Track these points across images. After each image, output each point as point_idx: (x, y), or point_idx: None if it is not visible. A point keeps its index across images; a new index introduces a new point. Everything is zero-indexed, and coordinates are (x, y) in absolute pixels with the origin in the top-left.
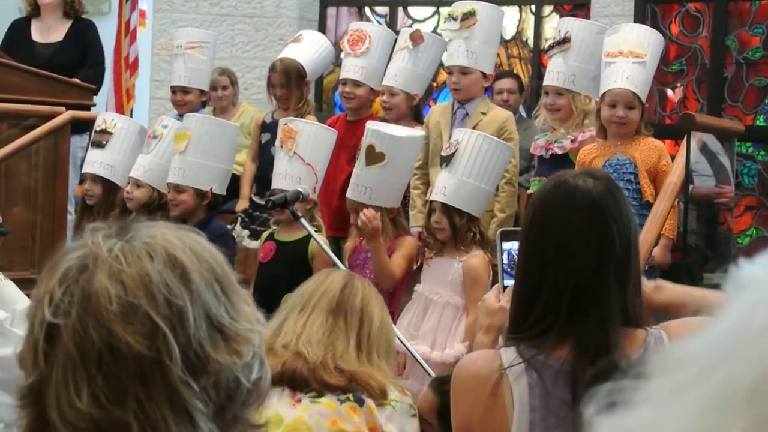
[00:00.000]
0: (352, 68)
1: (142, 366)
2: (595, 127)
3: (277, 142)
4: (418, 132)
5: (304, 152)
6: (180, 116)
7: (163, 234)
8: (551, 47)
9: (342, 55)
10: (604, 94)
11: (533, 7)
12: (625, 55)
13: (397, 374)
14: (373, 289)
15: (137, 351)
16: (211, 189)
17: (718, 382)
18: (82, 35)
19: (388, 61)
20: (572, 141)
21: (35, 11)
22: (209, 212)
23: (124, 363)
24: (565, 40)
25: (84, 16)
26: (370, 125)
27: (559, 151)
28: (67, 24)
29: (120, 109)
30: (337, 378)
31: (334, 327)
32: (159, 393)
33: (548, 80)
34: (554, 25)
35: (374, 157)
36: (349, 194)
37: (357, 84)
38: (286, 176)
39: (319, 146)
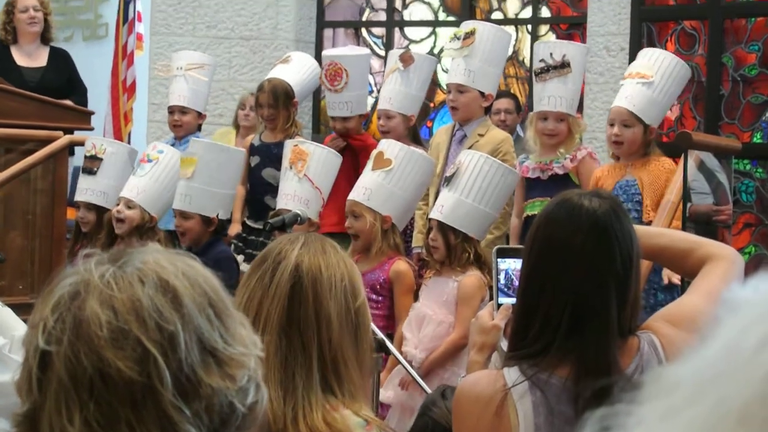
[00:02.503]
0: (337, 106)
1: (133, 391)
2: (608, 148)
3: (285, 163)
4: (430, 157)
5: (314, 176)
6: (176, 139)
7: (155, 259)
8: (545, 70)
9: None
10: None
11: (529, 27)
12: (632, 76)
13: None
14: (323, 265)
15: (128, 376)
16: (217, 215)
17: (709, 404)
18: (65, 62)
19: (381, 85)
20: (571, 160)
21: (13, 38)
22: (213, 236)
23: (115, 388)
24: (565, 65)
25: (83, 41)
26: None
27: (560, 172)
28: (46, 50)
29: (118, 133)
30: None
31: (289, 350)
32: (150, 418)
33: (549, 105)
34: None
35: (381, 162)
36: (349, 196)
37: (345, 118)
38: (294, 197)
39: (327, 171)
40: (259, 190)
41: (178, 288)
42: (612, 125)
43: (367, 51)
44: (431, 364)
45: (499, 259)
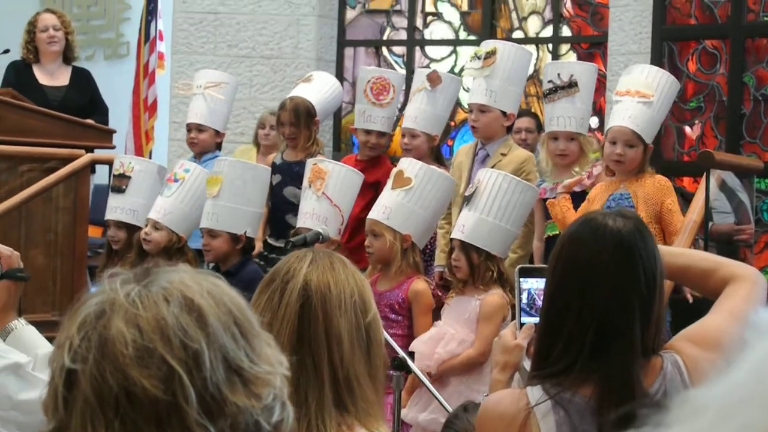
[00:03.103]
0: (379, 120)
1: (158, 409)
2: (602, 164)
3: (305, 182)
4: (450, 176)
5: (332, 194)
6: (195, 157)
7: (180, 278)
8: (554, 91)
9: (362, 101)
10: (607, 131)
11: (550, 46)
12: (631, 94)
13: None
14: (332, 282)
15: (153, 395)
16: (245, 233)
17: (736, 427)
18: (87, 82)
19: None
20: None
21: (35, 57)
22: (243, 256)
23: (140, 407)
24: (572, 85)
25: (105, 59)
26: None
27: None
28: (68, 69)
29: (139, 151)
30: None
31: (301, 370)
32: None
33: (559, 126)
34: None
35: (401, 180)
36: (369, 215)
37: (382, 134)
38: (313, 216)
39: (347, 189)
40: (280, 209)
41: (203, 307)
42: (614, 143)
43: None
44: (447, 370)
45: (521, 279)
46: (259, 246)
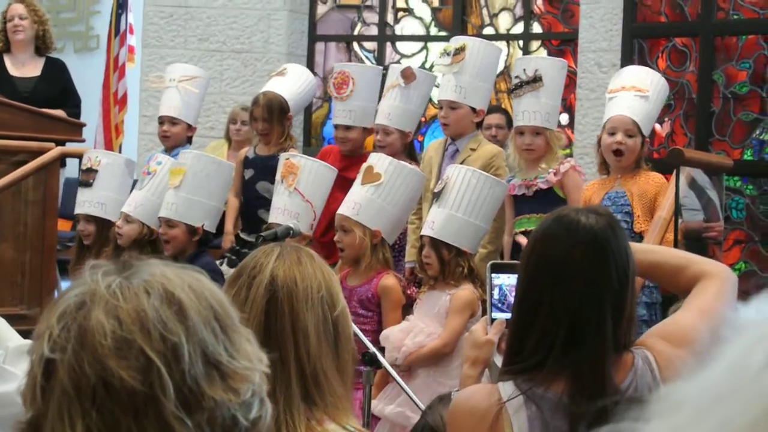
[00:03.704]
0: (340, 113)
1: (135, 401)
2: (597, 161)
3: (278, 177)
4: (420, 171)
5: (304, 189)
6: (166, 150)
7: (162, 271)
8: (519, 86)
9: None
10: (605, 123)
11: (521, 43)
12: (627, 89)
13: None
14: (298, 276)
15: (130, 386)
16: (202, 226)
17: (716, 423)
18: (60, 73)
19: (379, 98)
20: (555, 174)
21: (5, 47)
22: (199, 248)
23: (117, 398)
24: (536, 79)
25: (75, 52)
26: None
27: (544, 186)
28: (41, 60)
29: (109, 145)
30: None
31: (269, 365)
32: (152, 428)
33: (524, 120)
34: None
35: (371, 176)
36: (339, 210)
37: (348, 128)
38: (285, 211)
39: (319, 184)
40: (252, 204)
41: (183, 300)
42: (612, 134)
43: (379, 68)
44: (413, 361)
45: (493, 274)
46: (229, 239)
